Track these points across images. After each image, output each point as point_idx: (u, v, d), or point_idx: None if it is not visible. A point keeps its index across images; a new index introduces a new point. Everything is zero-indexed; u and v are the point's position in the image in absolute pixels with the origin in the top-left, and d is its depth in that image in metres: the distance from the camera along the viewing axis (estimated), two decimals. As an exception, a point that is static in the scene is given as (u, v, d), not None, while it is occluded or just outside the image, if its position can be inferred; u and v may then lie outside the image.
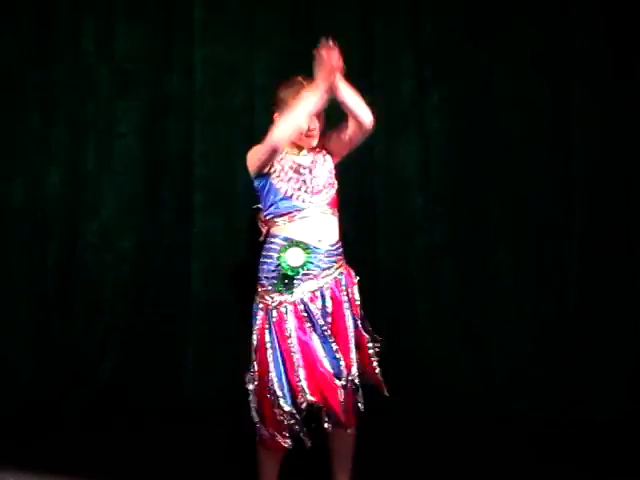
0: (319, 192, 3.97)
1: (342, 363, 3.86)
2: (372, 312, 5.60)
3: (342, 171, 5.16)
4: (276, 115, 3.98)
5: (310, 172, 3.99)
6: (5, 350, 5.54)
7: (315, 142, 4.02)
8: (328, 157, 4.08)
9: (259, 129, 5.49)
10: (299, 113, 3.82)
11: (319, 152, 4.06)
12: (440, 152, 5.61)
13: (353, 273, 4.06)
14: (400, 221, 5.61)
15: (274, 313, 3.89)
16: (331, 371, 3.84)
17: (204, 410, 5.38)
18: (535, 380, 5.51)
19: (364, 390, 4.06)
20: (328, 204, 3.99)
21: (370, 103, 5.51)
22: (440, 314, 5.62)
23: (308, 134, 3.97)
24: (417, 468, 4.65)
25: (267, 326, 3.89)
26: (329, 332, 3.88)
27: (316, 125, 3.97)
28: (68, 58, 5.58)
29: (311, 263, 3.88)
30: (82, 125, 5.61)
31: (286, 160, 4.00)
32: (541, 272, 5.57)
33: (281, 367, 3.84)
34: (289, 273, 3.87)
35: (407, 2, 5.60)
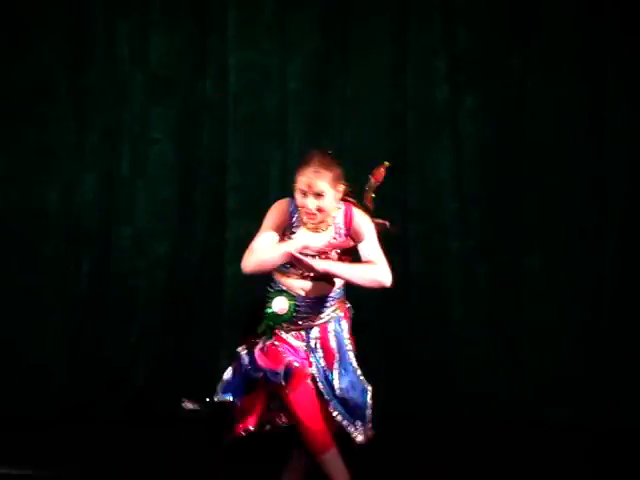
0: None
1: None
2: (405, 318, 5.65)
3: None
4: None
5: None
6: (39, 355, 5.57)
7: (317, 220, 3.82)
8: (340, 240, 3.88)
9: (292, 134, 5.56)
10: (267, 257, 3.80)
11: (332, 234, 3.88)
12: (474, 157, 5.59)
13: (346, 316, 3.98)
14: (433, 226, 5.59)
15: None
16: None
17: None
18: (570, 386, 5.48)
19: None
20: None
21: (403, 108, 5.59)
22: (474, 320, 5.59)
23: (305, 211, 3.81)
24: (448, 474, 4.63)
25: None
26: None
27: (313, 204, 3.78)
28: (102, 64, 5.60)
29: (296, 312, 3.85)
30: (116, 131, 5.63)
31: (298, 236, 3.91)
32: (576, 276, 5.53)
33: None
34: (271, 321, 3.88)
35: (441, 7, 5.58)
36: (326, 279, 3.84)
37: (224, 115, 5.62)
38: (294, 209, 3.90)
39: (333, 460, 3.85)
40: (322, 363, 3.86)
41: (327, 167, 3.82)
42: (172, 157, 5.66)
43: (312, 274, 3.81)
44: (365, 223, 3.92)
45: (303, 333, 3.90)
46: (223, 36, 5.60)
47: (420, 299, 5.58)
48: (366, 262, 3.84)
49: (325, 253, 3.83)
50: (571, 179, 5.53)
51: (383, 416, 5.17)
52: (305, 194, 3.80)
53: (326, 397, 3.82)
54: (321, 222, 3.86)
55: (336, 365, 3.87)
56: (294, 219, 3.90)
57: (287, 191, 3.99)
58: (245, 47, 5.59)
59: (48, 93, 5.58)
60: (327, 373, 3.86)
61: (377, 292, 5.51)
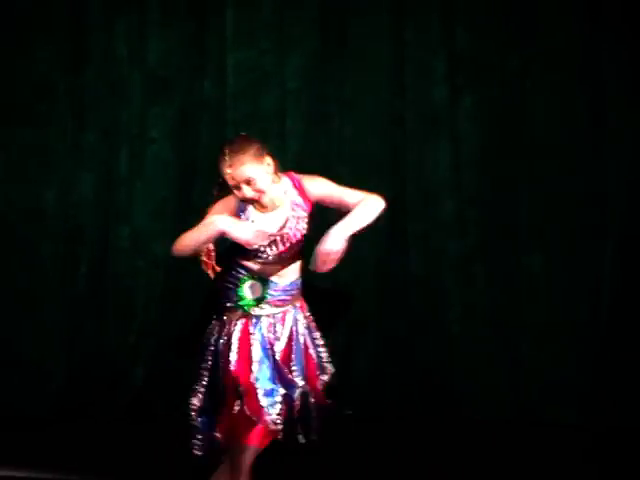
0: (285, 251, 3.78)
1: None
2: (404, 318, 5.64)
3: (373, 175, 5.15)
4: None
5: (282, 238, 3.77)
6: (38, 355, 5.56)
7: (265, 201, 3.74)
8: (300, 212, 3.78)
9: (291, 133, 5.56)
10: (199, 239, 3.79)
11: (290, 207, 3.78)
12: (472, 157, 5.58)
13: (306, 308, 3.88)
14: (432, 226, 5.59)
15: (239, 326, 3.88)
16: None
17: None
18: (569, 386, 5.47)
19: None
20: (292, 255, 3.81)
21: (402, 107, 5.59)
22: (472, 320, 5.58)
23: (249, 200, 3.73)
24: (447, 474, 4.63)
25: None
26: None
27: (250, 192, 3.68)
28: (101, 64, 5.60)
29: (269, 296, 3.79)
30: (114, 131, 5.63)
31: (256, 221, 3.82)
32: (575, 276, 5.52)
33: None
34: (245, 305, 3.85)
35: (439, 6, 5.58)
36: (294, 265, 3.78)
37: (222, 114, 5.62)
38: (241, 205, 3.80)
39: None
40: (278, 356, 3.75)
41: (242, 151, 3.70)
42: (170, 156, 5.66)
43: (285, 260, 3.75)
44: (316, 179, 3.82)
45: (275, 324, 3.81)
46: (221, 35, 5.60)
47: (419, 299, 5.57)
48: (355, 203, 3.70)
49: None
50: (571, 179, 5.52)
51: (382, 416, 5.21)
52: (238, 187, 3.70)
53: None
54: (271, 201, 3.75)
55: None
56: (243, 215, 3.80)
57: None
58: (243, 46, 5.60)
59: (46, 93, 5.58)
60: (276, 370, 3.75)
61: (374, 291, 5.57)
